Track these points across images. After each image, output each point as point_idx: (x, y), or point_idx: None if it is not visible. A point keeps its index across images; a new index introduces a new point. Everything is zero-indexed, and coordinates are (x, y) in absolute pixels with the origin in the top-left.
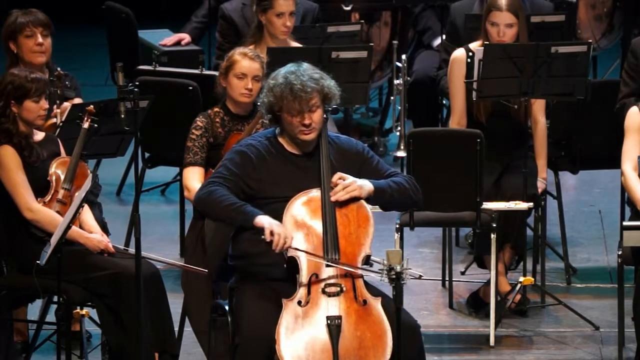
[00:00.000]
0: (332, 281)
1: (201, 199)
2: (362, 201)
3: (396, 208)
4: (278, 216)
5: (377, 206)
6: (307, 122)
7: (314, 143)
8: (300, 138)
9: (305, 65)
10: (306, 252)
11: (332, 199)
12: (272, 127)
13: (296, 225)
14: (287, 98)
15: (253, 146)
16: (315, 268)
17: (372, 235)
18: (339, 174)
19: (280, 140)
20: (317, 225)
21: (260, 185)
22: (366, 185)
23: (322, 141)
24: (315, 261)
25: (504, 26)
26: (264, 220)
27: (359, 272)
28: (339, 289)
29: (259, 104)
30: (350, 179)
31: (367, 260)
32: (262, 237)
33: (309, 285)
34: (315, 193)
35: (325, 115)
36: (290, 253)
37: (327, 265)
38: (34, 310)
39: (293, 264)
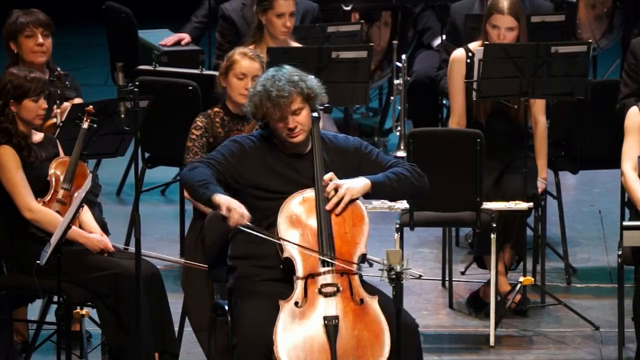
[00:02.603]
0: (328, 281)
1: (182, 175)
2: (357, 200)
3: (401, 198)
4: (274, 214)
5: (385, 200)
6: (291, 126)
7: (307, 144)
8: (289, 141)
9: (286, 68)
10: (257, 232)
11: (328, 208)
12: (264, 132)
13: (291, 225)
14: (266, 105)
15: (249, 139)
16: (312, 268)
17: (368, 233)
18: (330, 175)
19: (274, 141)
20: (312, 225)
21: (251, 175)
22: (360, 185)
23: (315, 141)
24: (311, 262)
25: (504, 29)
26: (221, 197)
27: (354, 267)
28: (335, 288)
29: (243, 109)
30: (337, 180)
31: (364, 259)
32: (218, 210)
33: (306, 285)
34: (310, 193)
35: (317, 114)
36: (286, 254)
37: (323, 261)
38: (34, 310)
39: (289, 264)
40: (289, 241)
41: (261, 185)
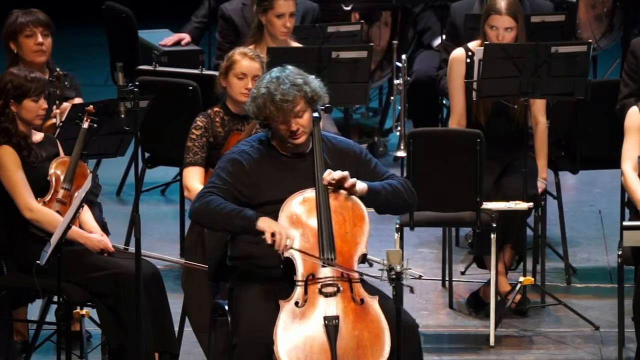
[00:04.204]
0: (329, 281)
1: (198, 211)
2: (357, 200)
3: (390, 211)
4: (274, 218)
5: (372, 208)
6: (294, 128)
7: (308, 144)
8: (291, 143)
9: (290, 69)
10: (306, 254)
11: (327, 178)
12: (264, 130)
13: (292, 225)
14: (270, 109)
15: (245, 152)
16: (312, 268)
17: (368, 233)
18: (328, 171)
19: (273, 143)
20: (313, 225)
21: (254, 191)
22: (360, 183)
23: (315, 141)
24: (312, 262)
25: (503, 30)
26: (264, 224)
27: (357, 274)
28: (335, 288)
29: (245, 108)
30: (341, 173)
31: (364, 259)
32: (263, 237)
33: (306, 285)
34: (310, 193)
35: (317, 115)
36: (287, 254)
37: (323, 266)
38: (34, 310)
39: (290, 264)
40: (335, 267)
41: (266, 200)
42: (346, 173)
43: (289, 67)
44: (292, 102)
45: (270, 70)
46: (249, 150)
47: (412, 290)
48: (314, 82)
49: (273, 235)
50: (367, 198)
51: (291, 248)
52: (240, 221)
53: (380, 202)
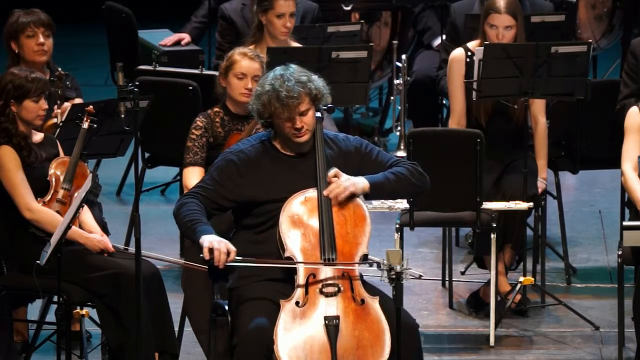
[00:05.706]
0: (329, 281)
1: (174, 213)
2: (359, 200)
3: (402, 197)
4: (274, 217)
5: (385, 199)
6: (298, 125)
7: (310, 143)
8: (294, 141)
9: (293, 67)
10: (248, 261)
11: (325, 192)
12: (266, 130)
13: (293, 225)
14: (275, 105)
15: (243, 152)
16: (313, 268)
17: (369, 234)
18: (334, 170)
19: (275, 143)
20: (314, 225)
21: (251, 190)
22: (360, 183)
23: (317, 141)
24: (313, 262)
25: (502, 29)
26: (204, 240)
27: (356, 269)
28: (336, 289)
29: (249, 107)
30: (344, 177)
31: (365, 260)
32: (201, 255)
33: (307, 285)
34: (312, 193)
35: (320, 114)
36: (287, 254)
37: (325, 264)
38: (34, 310)
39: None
40: (279, 264)
41: (265, 199)
42: (342, 188)
43: (293, 65)
44: (297, 98)
45: (274, 69)
46: (247, 149)
47: (419, 276)
48: (318, 81)
49: (211, 252)
50: (372, 193)
51: (233, 261)
52: (191, 233)
53: (386, 193)
